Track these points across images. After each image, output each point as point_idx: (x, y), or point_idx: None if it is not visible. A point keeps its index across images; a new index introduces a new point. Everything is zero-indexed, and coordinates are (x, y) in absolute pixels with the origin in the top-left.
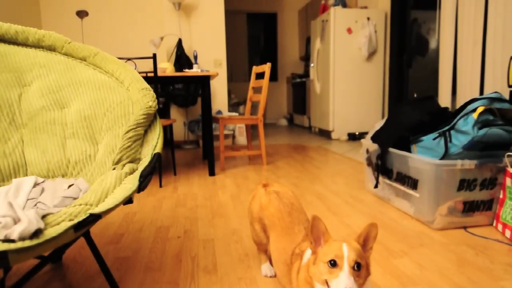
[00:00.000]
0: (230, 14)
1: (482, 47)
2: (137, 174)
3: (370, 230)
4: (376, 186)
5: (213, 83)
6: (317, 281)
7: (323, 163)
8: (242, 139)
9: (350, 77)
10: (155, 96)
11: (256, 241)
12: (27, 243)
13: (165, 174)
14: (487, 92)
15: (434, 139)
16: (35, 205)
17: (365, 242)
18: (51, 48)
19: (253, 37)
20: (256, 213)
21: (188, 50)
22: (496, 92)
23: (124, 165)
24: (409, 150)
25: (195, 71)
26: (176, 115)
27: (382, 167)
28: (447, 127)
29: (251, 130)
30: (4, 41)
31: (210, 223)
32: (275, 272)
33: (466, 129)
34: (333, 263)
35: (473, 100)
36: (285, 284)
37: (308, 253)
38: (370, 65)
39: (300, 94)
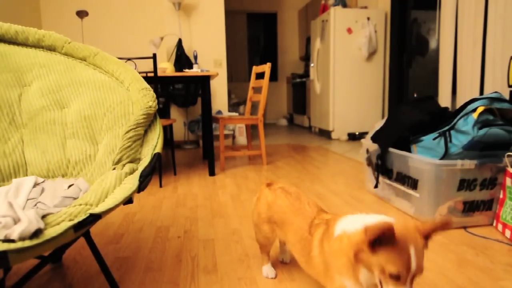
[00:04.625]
0: (230, 14)
1: (482, 47)
2: (137, 174)
3: (444, 227)
4: (376, 186)
5: (213, 83)
6: (367, 269)
7: (323, 163)
8: (242, 139)
9: (350, 77)
10: (155, 96)
11: (262, 242)
12: (27, 243)
13: (165, 174)
14: (487, 92)
15: (434, 139)
16: (35, 205)
17: (427, 238)
18: (51, 48)
19: (253, 37)
20: (264, 213)
21: (188, 50)
22: (496, 92)
23: (124, 165)
24: (409, 150)
25: (195, 71)
26: (176, 115)
27: (382, 167)
28: (447, 127)
29: (251, 130)
30: (4, 41)
31: (210, 223)
32: (275, 274)
33: (466, 129)
34: (396, 277)
35: (473, 100)
36: (303, 264)
37: (342, 224)
38: (370, 65)
39: (300, 94)
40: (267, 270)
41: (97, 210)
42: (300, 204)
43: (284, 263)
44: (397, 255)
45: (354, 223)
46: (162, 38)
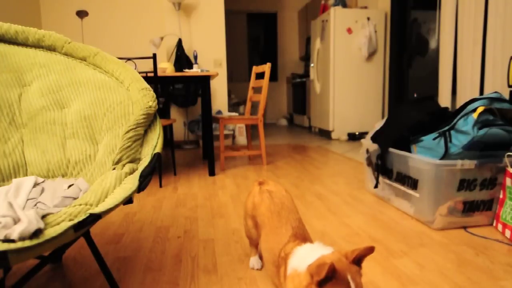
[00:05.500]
0: (230, 14)
1: (482, 47)
2: (137, 174)
3: (368, 253)
4: (376, 186)
5: (213, 83)
6: None
7: (323, 163)
8: (242, 139)
9: (350, 77)
10: (155, 96)
11: (248, 235)
12: (27, 243)
13: (165, 174)
14: (487, 92)
15: (434, 139)
16: (35, 205)
17: (359, 263)
18: (51, 48)
19: (253, 37)
20: (250, 211)
21: (188, 50)
22: (496, 92)
23: (124, 165)
24: (409, 150)
25: (195, 71)
26: (176, 115)
27: (382, 167)
28: (447, 127)
29: (251, 130)
30: (4, 41)
31: (210, 223)
32: (262, 265)
33: (466, 129)
34: None
35: (473, 100)
36: (276, 285)
37: (293, 262)
38: (370, 65)
39: (300, 94)
40: (254, 261)
41: (97, 210)
42: (278, 222)
43: None
44: (340, 285)
45: (302, 261)
46: (162, 38)
